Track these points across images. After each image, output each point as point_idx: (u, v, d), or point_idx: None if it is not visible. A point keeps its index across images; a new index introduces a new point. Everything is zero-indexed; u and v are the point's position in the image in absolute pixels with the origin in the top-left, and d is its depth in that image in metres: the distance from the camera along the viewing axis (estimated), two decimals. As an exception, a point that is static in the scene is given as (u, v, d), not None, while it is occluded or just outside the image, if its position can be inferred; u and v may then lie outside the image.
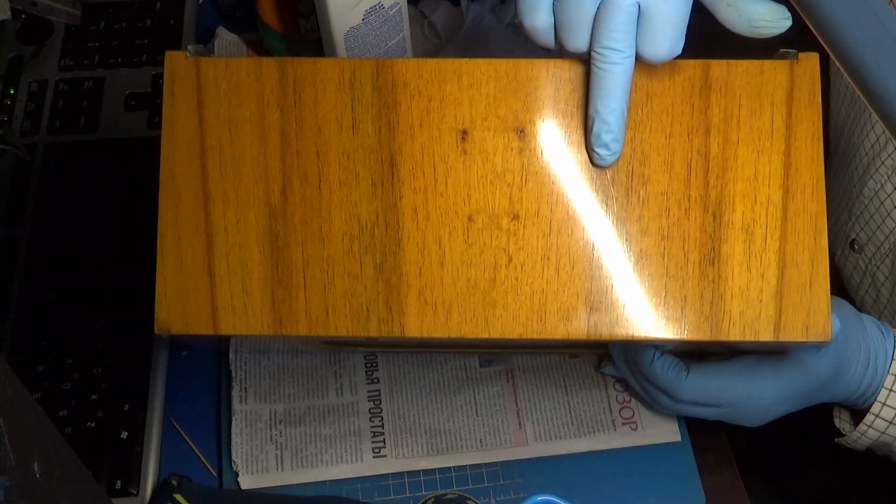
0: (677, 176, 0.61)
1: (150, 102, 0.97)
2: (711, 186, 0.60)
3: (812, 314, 0.59)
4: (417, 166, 0.61)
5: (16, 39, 1.02)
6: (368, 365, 0.82)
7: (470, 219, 0.60)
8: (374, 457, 0.79)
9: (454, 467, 0.79)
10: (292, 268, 0.60)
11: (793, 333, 0.59)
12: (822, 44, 0.44)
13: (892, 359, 0.72)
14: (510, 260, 0.60)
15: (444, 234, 0.60)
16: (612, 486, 0.78)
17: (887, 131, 0.64)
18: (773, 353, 0.70)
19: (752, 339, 0.59)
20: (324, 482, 0.78)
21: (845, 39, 0.44)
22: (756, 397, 0.71)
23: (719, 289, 0.59)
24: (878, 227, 0.87)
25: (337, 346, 0.78)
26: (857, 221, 0.90)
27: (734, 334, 0.59)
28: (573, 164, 0.61)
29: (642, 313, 0.59)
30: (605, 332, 0.59)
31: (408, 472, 0.78)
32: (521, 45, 1.01)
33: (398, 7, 0.88)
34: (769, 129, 0.60)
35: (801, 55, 0.61)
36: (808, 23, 0.44)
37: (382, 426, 0.80)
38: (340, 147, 0.61)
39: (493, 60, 0.62)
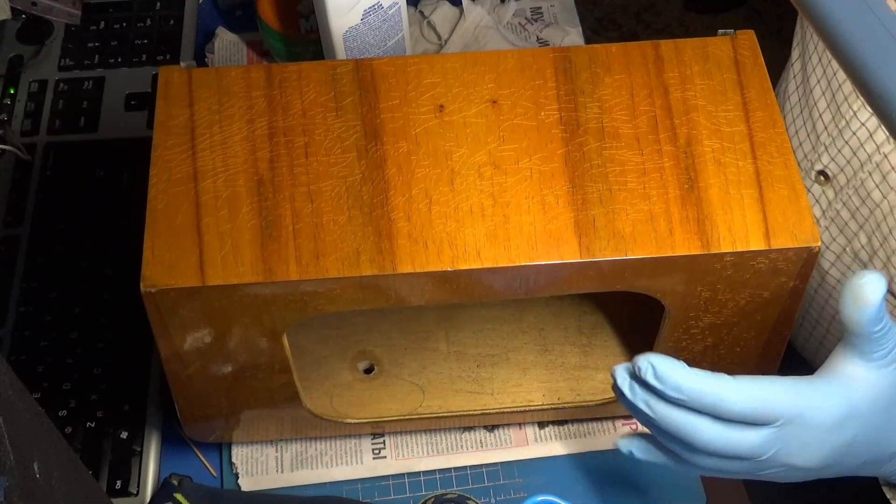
0: (645, 126, 0.65)
1: (150, 102, 0.97)
2: (678, 131, 0.64)
3: (798, 224, 0.61)
4: (399, 135, 0.65)
5: (16, 39, 1.02)
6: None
7: (453, 171, 0.63)
8: (374, 458, 0.79)
9: (454, 468, 0.79)
10: (281, 223, 0.62)
11: (783, 241, 0.61)
12: (823, 43, 0.44)
13: None
14: (495, 201, 0.62)
15: (429, 184, 0.63)
16: (612, 486, 0.78)
17: (887, 132, 0.64)
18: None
19: (744, 248, 0.61)
20: (324, 483, 0.78)
21: (845, 39, 0.44)
22: (820, 407, 0.60)
23: (704, 209, 0.62)
24: (853, 156, 0.80)
25: (345, 429, 0.78)
26: (828, 150, 0.82)
27: (725, 246, 0.61)
28: (546, 124, 0.65)
29: (632, 235, 0.61)
30: (598, 252, 0.61)
31: (408, 473, 0.78)
32: (521, 44, 1.01)
33: (397, 7, 0.89)
34: (722, 86, 0.66)
35: (739, 32, 0.68)
36: (808, 22, 0.44)
37: (382, 427, 0.80)
38: (325, 125, 0.65)
39: (464, 53, 0.68)
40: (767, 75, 0.67)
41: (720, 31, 0.69)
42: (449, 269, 0.61)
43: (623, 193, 0.62)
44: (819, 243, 0.61)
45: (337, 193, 0.63)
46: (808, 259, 0.62)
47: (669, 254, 0.61)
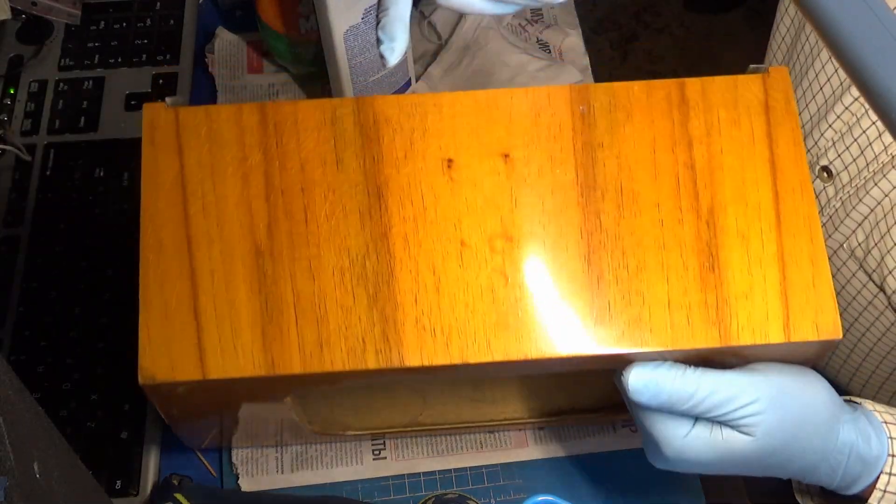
0: (666, 187, 0.61)
1: (149, 102, 0.97)
2: (702, 195, 0.61)
3: (820, 313, 0.59)
4: (405, 196, 0.61)
5: (16, 39, 1.02)
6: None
7: (462, 243, 0.60)
8: (374, 458, 0.79)
9: (454, 468, 0.79)
10: (282, 304, 0.58)
11: (804, 333, 0.58)
12: (823, 43, 0.44)
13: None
14: (507, 281, 0.59)
15: (437, 259, 0.59)
16: (612, 486, 0.78)
17: (888, 132, 0.64)
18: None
19: (763, 341, 0.58)
20: (324, 484, 0.78)
21: (845, 39, 0.44)
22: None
23: (723, 293, 0.59)
24: (860, 154, 0.80)
25: (351, 436, 0.78)
26: (836, 146, 0.82)
27: (744, 338, 0.58)
28: (562, 184, 0.61)
29: (648, 324, 0.59)
30: (613, 343, 0.59)
31: (408, 474, 0.78)
32: (521, 45, 1.01)
33: (398, 7, 0.88)
34: (750, 137, 0.62)
35: (772, 69, 0.63)
36: (808, 22, 0.44)
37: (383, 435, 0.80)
38: (325, 182, 0.61)
39: (473, 92, 0.63)
40: (799, 123, 0.63)
41: (752, 66, 0.64)
42: (458, 364, 0.58)
43: (641, 273, 0.60)
44: (841, 335, 0.59)
45: (340, 268, 0.59)
46: (827, 347, 0.60)
47: (687, 347, 0.59)
